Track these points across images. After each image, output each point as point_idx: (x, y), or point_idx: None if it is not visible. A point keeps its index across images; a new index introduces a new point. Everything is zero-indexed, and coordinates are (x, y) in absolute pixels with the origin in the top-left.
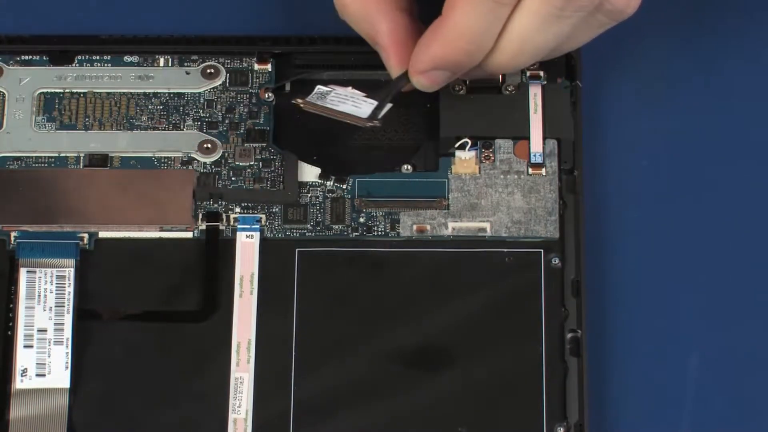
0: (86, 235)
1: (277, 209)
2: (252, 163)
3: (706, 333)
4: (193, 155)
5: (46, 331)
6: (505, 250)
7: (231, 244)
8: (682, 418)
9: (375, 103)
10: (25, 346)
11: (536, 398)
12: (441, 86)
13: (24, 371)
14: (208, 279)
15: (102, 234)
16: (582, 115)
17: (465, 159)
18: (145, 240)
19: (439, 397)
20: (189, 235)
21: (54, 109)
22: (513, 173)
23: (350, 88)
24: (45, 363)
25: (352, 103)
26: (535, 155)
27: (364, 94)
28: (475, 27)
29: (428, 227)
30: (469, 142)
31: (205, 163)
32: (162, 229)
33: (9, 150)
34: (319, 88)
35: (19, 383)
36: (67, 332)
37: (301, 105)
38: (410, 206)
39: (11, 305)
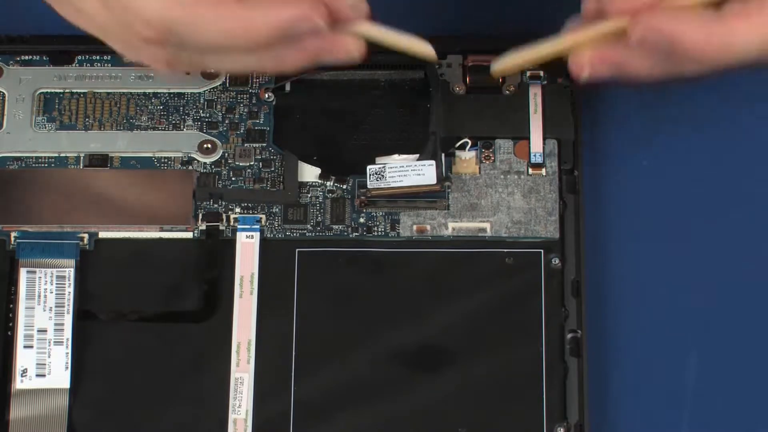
0: (86, 235)
1: (277, 209)
2: (252, 163)
3: (706, 333)
4: (193, 155)
5: (46, 331)
6: (505, 250)
7: (231, 244)
8: (682, 418)
9: (433, 162)
10: (25, 346)
11: (536, 398)
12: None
13: (24, 371)
14: (208, 279)
15: (102, 234)
16: (582, 115)
17: (465, 159)
18: (145, 240)
19: (439, 397)
20: (189, 235)
21: (54, 109)
22: (513, 173)
23: (395, 155)
24: (45, 363)
25: (413, 172)
26: (535, 155)
27: (414, 156)
28: (742, 47)
29: (428, 227)
30: (469, 142)
31: (205, 163)
32: (162, 229)
33: (9, 150)
34: (371, 168)
35: (19, 383)
36: (67, 332)
37: (370, 196)
38: (410, 206)
39: (11, 305)
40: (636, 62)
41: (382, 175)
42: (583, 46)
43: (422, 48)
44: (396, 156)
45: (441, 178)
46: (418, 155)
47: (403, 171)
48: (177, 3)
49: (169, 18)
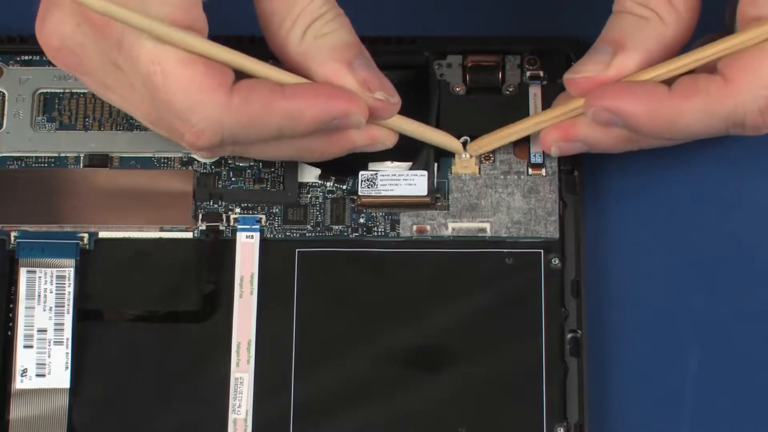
0: (86, 235)
1: (277, 209)
2: (252, 163)
3: (706, 333)
4: (193, 155)
5: (46, 331)
6: (505, 250)
7: (231, 244)
8: (682, 418)
9: (425, 173)
10: (25, 346)
11: (536, 398)
12: (581, 143)
13: (24, 371)
14: (208, 279)
15: (102, 234)
16: None
17: (465, 159)
18: (145, 240)
19: (439, 397)
20: (189, 235)
21: (54, 109)
22: (513, 173)
23: (389, 162)
24: (45, 363)
25: (405, 182)
26: (535, 155)
27: (407, 165)
28: (688, 125)
29: (428, 227)
30: (469, 139)
31: (205, 163)
32: (162, 229)
33: (9, 150)
34: (363, 174)
35: (19, 383)
36: (67, 332)
37: (360, 204)
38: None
39: (11, 305)
40: (598, 137)
41: (374, 183)
42: (548, 126)
43: (450, 142)
44: (389, 163)
45: (432, 190)
46: (411, 164)
47: (395, 180)
48: (228, 109)
49: (221, 126)
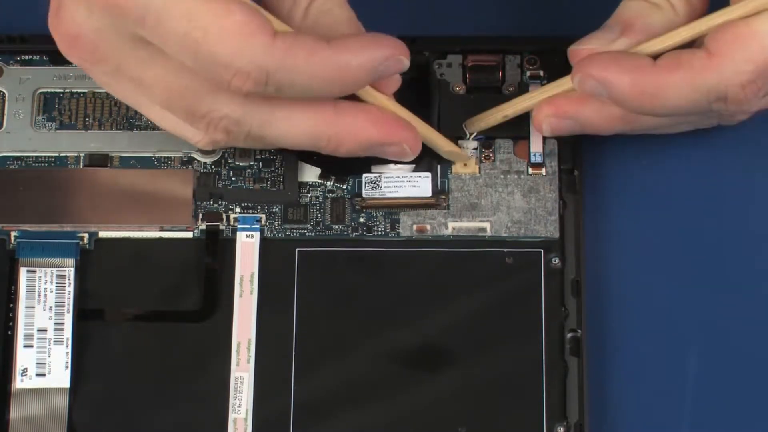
0: (86, 235)
1: (277, 209)
2: (252, 163)
3: (706, 333)
4: (193, 155)
5: (46, 330)
6: (505, 250)
7: (231, 244)
8: (682, 418)
9: (429, 174)
10: (25, 346)
11: (536, 398)
12: (568, 121)
13: (24, 371)
14: (208, 279)
15: (102, 234)
16: None
17: (465, 150)
18: (145, 240)
19: (439, 397)
20: (189, 235)
21: (54, 109)
22: (513, 173)
23: (392, 164)
24: (45, 363)
25: (409, 183)
26: (535, 155)
27: (410, 166)
28: (670, 99)
29: (428, 227)
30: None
31: (205, 163)
32: (162, 229)
33: (9, 150)
34: (366, 177)
35: (19, 383)
36: (67, 332)
37: (365, 206)
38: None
39: (11, 305)
40: (590, 114)
41: (378, 185)
42: (541, 102)
43: (448, 144)
44: (392, 165)
45: (436, 191)
46: (414, 165)
47: (399, 181)
48: (272, 51)
49: (266, 65)
